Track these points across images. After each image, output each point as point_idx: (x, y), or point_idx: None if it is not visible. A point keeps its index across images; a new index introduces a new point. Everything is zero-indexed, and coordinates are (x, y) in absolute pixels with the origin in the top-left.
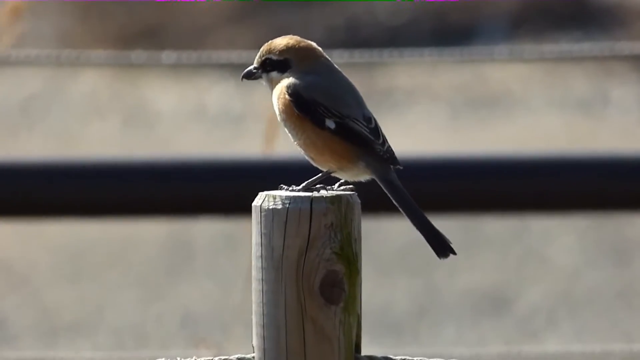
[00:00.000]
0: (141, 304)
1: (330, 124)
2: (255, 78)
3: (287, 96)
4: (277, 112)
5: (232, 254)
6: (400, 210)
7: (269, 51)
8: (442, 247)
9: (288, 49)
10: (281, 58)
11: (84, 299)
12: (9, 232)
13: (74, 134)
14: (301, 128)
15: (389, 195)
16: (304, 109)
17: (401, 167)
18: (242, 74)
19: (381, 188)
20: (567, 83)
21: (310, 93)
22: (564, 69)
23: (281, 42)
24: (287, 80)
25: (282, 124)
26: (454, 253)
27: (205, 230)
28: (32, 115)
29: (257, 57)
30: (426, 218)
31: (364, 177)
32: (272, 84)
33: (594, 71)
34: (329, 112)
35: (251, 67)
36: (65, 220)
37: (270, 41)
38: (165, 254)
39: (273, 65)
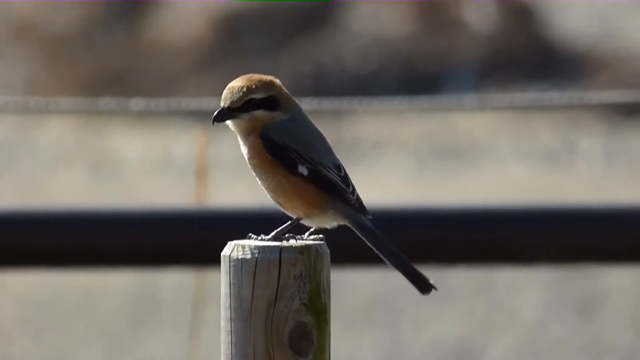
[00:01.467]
0: (107, 356)
1: (302, 170)
2: (230, 118)
3: (259, 139)
4: (247, 156)
5: (197, 305)
6: (377, 252)
7: (251, 90)
8: (423, 283)
9: (273, 86)
10: (266, 96)
11: (49, 350)
12: None
13: (41, 182)
14: (272, 173)
15: (364, 239)
16: (276, 154)
17: (370, 217)
18: (214, 117)
19: (349, 237)
20: (534, 133)
21: (283, 137)
22: (531, 118)
23: (261, 78)
24: (265, 122)
25: (251, 167)
26: (435, 288)
27: (171, 281)
28: None
29: (231, 97)
30: (404, 257)
31: (331, 224)
32: (256, 123)
33: (562, 121)
34: (301, 158)
35: (224, 108)
36: (30, 270)
37: (242, 79)
38: (131, 305)
39: (258, 104)
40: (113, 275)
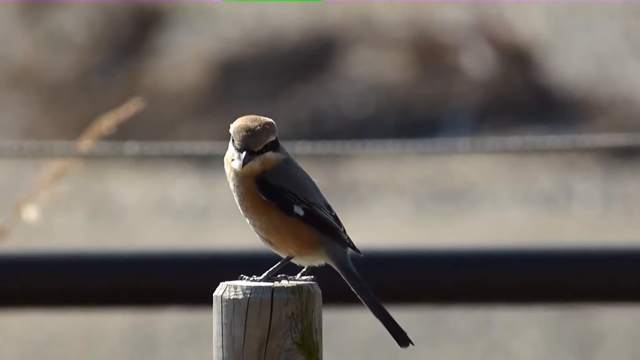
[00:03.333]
0: None
1: (298, 210)
2: (250, 162)
3: (254, 182)
4: (239, 198)
5: (195, 346)
6: (360, 298)
7: (268, 132)
8: (402, 335)
9: (275, 128)
10: (274, 137)
11: None
12: None
13: (38, 226)
14: (265, 214)
15: (347, 282)
16: (271, 195)
17: (361, 255)
18: (244, 162)
19: (341, 278)
20: (531, 176)
21: (278, 180)
22: (528, 162)
23: (270, 120)
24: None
25: (242, 208)
26: (412, 343)
27: (169, 322)
28: None
29: (254, 139)
30: (383, 307)
31: (320, 262)
32: (265, 165)
33: (558, 164)
34: (297, 198)
35: (249, 150)
36: (28, 311)
37: (253, 120)
38: (129, 346)
39: (269, 146)
40: (111, 316)
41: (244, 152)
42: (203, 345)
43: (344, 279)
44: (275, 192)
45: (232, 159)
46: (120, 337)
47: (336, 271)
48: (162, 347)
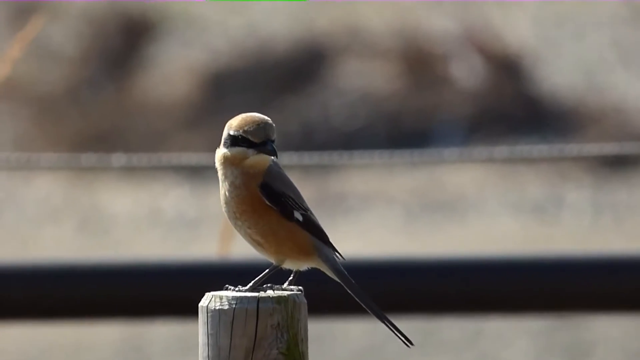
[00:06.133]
0: None
1: (298, 216)
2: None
3: (257, 186)
4: (238, 201)
5: (186, 357)
6: (357, 299)
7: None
8: (404, 335)
9: None
10: None
11: None
12: None
13: (28, 238)
14: (265, 218)
15: (343, 285)
16: (274, 200)
17: (345, 260)
18: (273, 151)
19: (339, 288)
20: (521, 186)
21: (279, 185)
22: (518, 171)
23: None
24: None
25: (237, 211)
26: (412, 343)
27: (159, 334)
28: None
29: (269, 133)
30: (380, 310)
31: (308, 265)
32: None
33: (549, 174)
34: (296, 204)
35: (270, 143)
36: (17, 324)
37: (260, 116)
38: (119, 358)
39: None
40: (101, 328)
41: (267, 143)
42: (193, 357)
43: (339, 281)
44: (278, 197)
45: (245, 157)
46: (110, 348)
47: (327, 277)
48: (153, 358)
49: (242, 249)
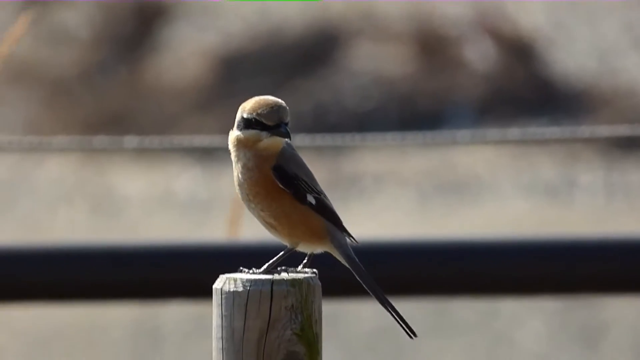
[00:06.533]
0: None
1: (311, 199)
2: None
3: (270, 169)
4: (251, 183)
5: (199, 338)
6: (363, 285)
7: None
8: (408, 325)
9: None
10: None
11: None
12: None
13: (41, 220)
14: (279, 201)
15: (351, 270)
16: (287, 183)
17: (358, 243)
18: (287, 133)
19: (348, 271)
20: (534, 167)
21: (293, 168)
22: (531, 153)
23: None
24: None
25: (250, 193)
26: (415, 335)
27: (173, 315)
28: None
29: (283, 116)
30: (387, 299)
31: (321, 249)
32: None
33: (561, 155)
34: (309, 187)
35: (284, 125)
36: (32, 305)
37: (273, 99)
38: (132, 339)
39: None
40: (115, 310)
41: (281, 125)
42: (207, 338)
43: (349, 267)
44: (291, 180)
45: (258, 140)
46: (124, 330)
47: (338, 261)
48: (166, 339)
49: (254, 231)
